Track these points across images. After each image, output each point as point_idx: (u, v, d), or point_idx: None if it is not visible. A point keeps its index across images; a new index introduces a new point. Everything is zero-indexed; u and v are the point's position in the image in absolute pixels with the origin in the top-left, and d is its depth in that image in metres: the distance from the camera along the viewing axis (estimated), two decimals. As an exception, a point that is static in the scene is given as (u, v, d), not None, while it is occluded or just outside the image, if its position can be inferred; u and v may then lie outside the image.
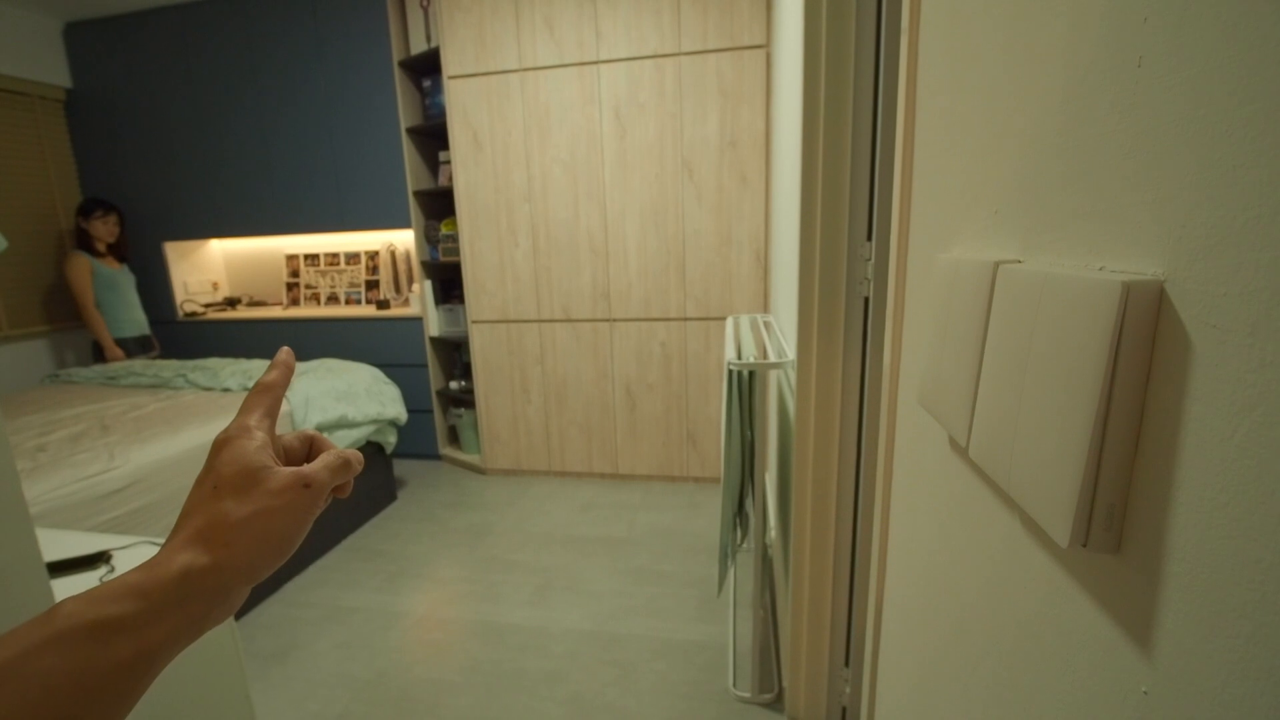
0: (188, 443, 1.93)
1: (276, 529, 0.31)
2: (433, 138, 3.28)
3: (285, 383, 0.37)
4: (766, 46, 2.54)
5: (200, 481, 0.31)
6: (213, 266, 3.91)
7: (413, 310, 3.31)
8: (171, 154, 3.49)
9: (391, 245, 3.52)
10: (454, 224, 3.10)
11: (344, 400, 2.52)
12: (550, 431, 3.11)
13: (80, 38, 3.47)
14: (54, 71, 3.46)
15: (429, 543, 2.52)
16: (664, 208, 2.76)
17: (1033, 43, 0.34)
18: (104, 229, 3.17)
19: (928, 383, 0.47)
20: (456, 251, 3.11)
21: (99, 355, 3.25)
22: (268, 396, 0.36)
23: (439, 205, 3.33)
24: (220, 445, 0.32)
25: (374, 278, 3.64)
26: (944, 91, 0.50)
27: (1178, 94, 0.22)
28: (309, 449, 0.37)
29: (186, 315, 3.63)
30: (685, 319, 2.84)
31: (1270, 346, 0.18)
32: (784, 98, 1.85)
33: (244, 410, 0.35)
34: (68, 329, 3.64)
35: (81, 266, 3.09)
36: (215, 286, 3.91)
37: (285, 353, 0.38)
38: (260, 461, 0.32)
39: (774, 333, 1.90)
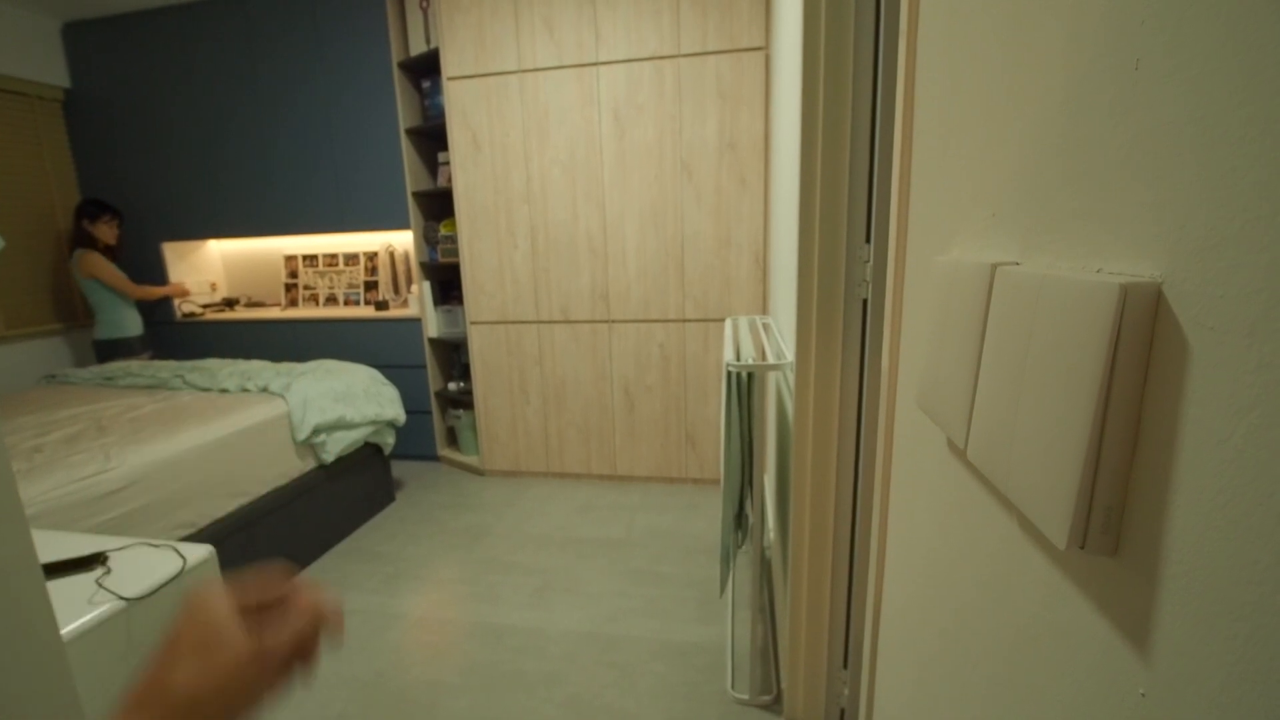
0: (185, 444, 1.92)
1: (227, 711, 0.30)
2: (432, 139, 3.28)
3: (266, 595, 0.34)
4: (766, 48, 2.54)
5: (159, 647, 0.31)
6: (211, 267, 3.91)
7: (411, 311, 3.30)
8: (170, 154, 3.49)
9: (390, 246, 3.52)
10: (453, 225, 3.10)
11: (342, 401, 2.52)
12: (549, 433, 3.11)
13: (79, 37, 3.46)
14: (52, 71, 3.46)
15: (427, 544, 2.52)
16: (663, 209, 2.76)
17: (1031, 45, 0.34)
18: (109, 232, 3.19)
19: (926, 385, 0.47)
20: (455, 253, 3.11)
21: (104, 355, 3.24)
22: (268, 592, 0.34)
23: (438, 206, 3.32)
24: (184, 608, 0.32)
25: (373, 279, 3.63)
26: (942, 94, 0.50)
27: (1175, 96, 0.22)
28: (284, 602, 0.35)
29: (184, 316, 3.62)
30: (684, 320, 2.85)
31: (1268, 348, 0.18)
32: (783, 100, 1.85)
33: (227, 587, 0.34)
34: (64, 330, 3.63)
35: (101, 259, 3.11)
36: (213, 287, 3.90)
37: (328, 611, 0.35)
38: (219, 634, 0.31)
39: (773, 334, 1.90)
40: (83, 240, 3.14)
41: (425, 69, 3.10)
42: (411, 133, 3.11)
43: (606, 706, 1.61)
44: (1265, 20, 0.18)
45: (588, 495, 2.93)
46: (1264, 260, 0.19)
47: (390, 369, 3.33)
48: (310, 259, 3.73)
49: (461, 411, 3.33)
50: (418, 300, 3.25)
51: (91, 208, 3.14)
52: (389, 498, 2.92)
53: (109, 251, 3.24)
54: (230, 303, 3.78)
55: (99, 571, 1.03)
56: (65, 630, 0.88)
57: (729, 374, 1.50)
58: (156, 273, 3.64)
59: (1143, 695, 0.24)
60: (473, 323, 3.07)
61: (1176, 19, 0.22)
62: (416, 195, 3.17)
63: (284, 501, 2.25)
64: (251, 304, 3.84)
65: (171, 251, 3.66)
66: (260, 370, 2.60)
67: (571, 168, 2.81)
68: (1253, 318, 0.19)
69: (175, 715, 0.29)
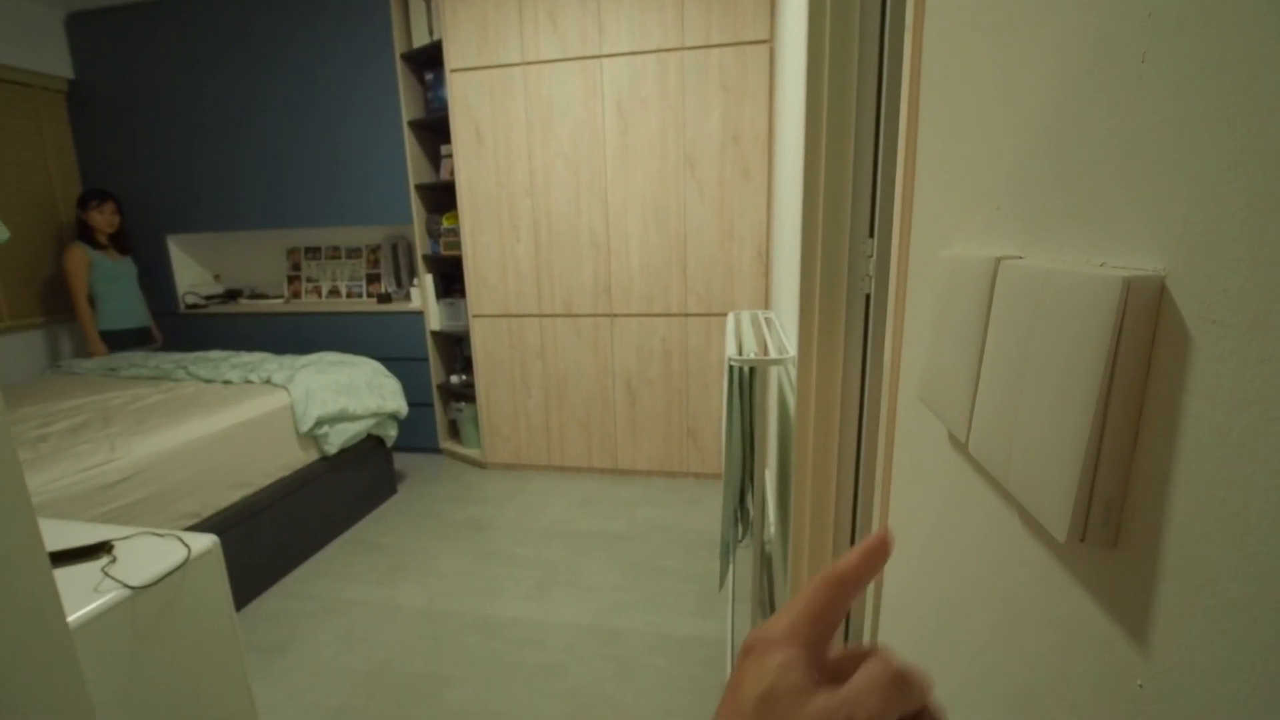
0: (189, 434, 1.93)
1: None
2: (435, 131, 3.27)
3: (861, 575, 0.26)
4: (770, 42, 2.53)
5: (725, 699, 0.24)
6: (214, 259, 3.91)
7: (414, 304, 3.31)
8: (173, 146, 3.49)
9: (393, 238, 3.52)
10: (455, 218, 3.10)
11: (345, 394, 2.52)
12: (550, 426, 3.11)
13: (82, 28, 3.46)
14: (56, 62, 3.45)
15: (429, 536, 2.53)
16: (666, 203, 2.75)
17: (1037, 36, 0.34)
18: (102, 219, 3.16)
19: (928, 378, 0.47)
20: (458, 245, 3.11)
21: (106, 346, 3.25)
22: (824, 594, 0.25)
23: (441, 199, 3.32)
24: (743, 654, 0.25)
25: (375, 271, 3.64)
26: (948, 86, 0.50)
27: (1182, 89, 0.22)
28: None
29: (188, 308, 3.63)
30: (686, 315, 2.84)
31: (1270, 342, 0.18)
32: (787, 93, 1.84)
33: (782, 610, 0.26)
34: (68, 320, 3.65)
35: (78, 258, 3.09)
36: (217, 279, 3.91)
37: (879, 539, 0.27)
38: (781, 686, 0.23)
39: (775, 329, 1.90)
40: (83, 231, 3.15)
41: (428, 61, 3.09)
42: (414, 125, 3.11)
43: (606, 699, 1.62)
44: (1269, 14, 0.18)
45: (589, 489, 2.94)
46: (1266, 255, 0.19)
47: (392, 361, 3.33)
48: (313, 251, 3.73)
49: (463, 404, 3.34)
50: (420, 293, 3.25)
51: (83, 195, 3.14)
52: (391, 490, 2.94)
53: (114, 240, 3.24)
54: (233, 294, 3.79)
55: (104, 560, 1.03)
56: (72, 618, 0.89)
57: (731, 368, 1.50)
58: (162, 265, 3.64)
59: (1140, 686, 0.24)
60: (475, 316, 3.08)
61: (1182, 12, 0.22)
62: (419, 188, 3.17)
63: (287, 492, 2.26)
64: (254, 295, 3.84)
65: (175, 244, 3.67)
66: (263, 362, 2.61)
67: (575, 161, 2.80)
68: (1254, 312, 0.19)
69: None
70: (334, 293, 3.71)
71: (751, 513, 1.66)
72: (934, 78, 0.54)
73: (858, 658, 0.25)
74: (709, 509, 2.69)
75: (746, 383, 1.54)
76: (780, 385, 1.83)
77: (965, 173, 0.45)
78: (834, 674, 0.24)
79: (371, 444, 2.76)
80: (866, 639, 0.80)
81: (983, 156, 0.42)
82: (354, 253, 3.67)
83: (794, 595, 0.26)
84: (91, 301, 3.19)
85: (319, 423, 2.38)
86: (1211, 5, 0.21)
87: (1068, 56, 0.31)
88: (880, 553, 0.26)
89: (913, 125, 0.60)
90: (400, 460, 3.39)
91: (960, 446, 0.46)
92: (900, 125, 0.62)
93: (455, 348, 3.54)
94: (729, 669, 1.70)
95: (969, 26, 0.45)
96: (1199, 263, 0.21)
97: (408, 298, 3.47)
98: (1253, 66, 0.19)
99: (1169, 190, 0.23)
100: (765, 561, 2.15)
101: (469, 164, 2.92)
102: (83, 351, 3.70)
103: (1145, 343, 0.24)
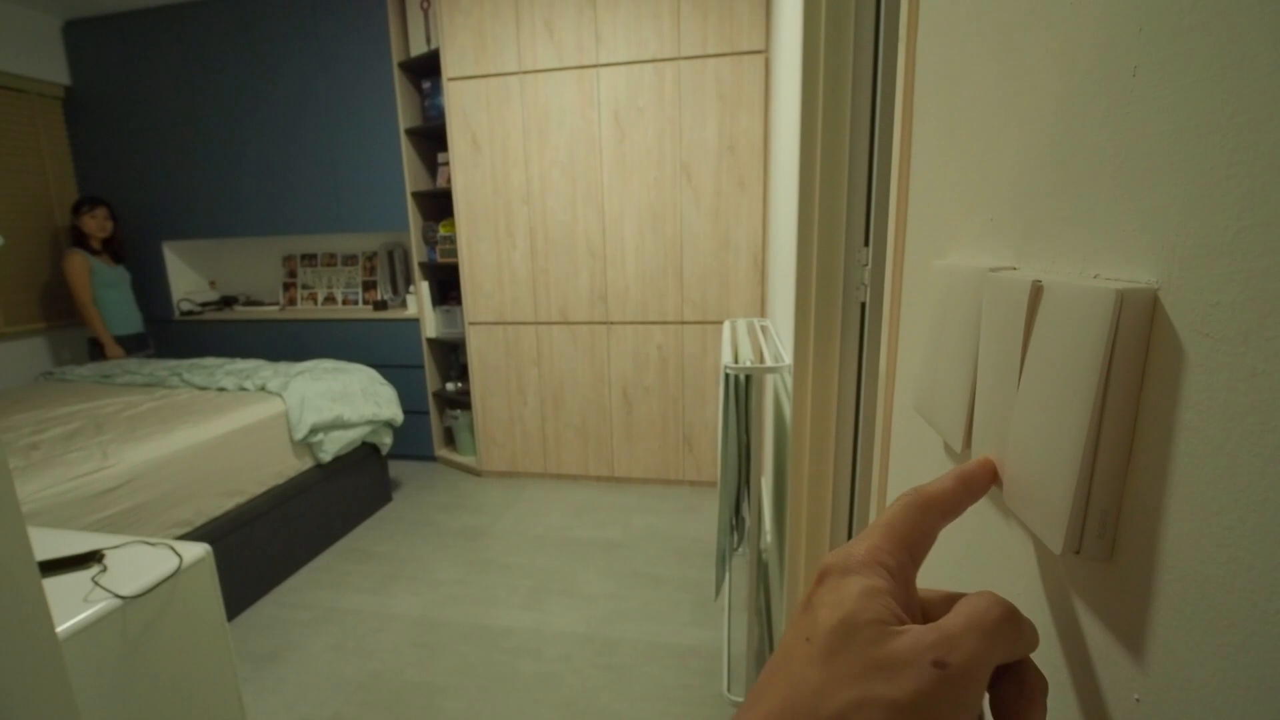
0: (182, 442, 1.92)
1: None
2: (432, 139, 3.28)
3: (956, 503, 0.23)
4: (765, 52, 2.55)
5: (795, 621, 0.21)
6: (210, 266, 3.90)
7: (410, 311, 3.30)
8: (170, 153, 3.49)
9: (389, 246, 3.52)
10: (452, 225, 3.11)
11: (340, 401, 2.51)
12: (546, 434, 3.10)
13: (80, 35, 3.46)
14: (53, 69, 3.46)
15: (423, 544, 2.51)
16: (662, 211, 2.76)
17: (1028, 51, 0.34)
18: (94, 224, 3.15)
19: (922, 389, 0.47)
20: (454, 253, 3.11)
21: (97, 353, 3.24)
22: (911, 517, 0.23)
23: (437, 206, 3.33)
24: (817, 580, 0.22)
25: (371, 278, 3.63)
26: (941, 97, 0.50)
27: (1172, 103, 0.23)
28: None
29: (183, 314, 3.62)
30: (682, 322, 2.85)
31: (1262, 355, 0.18)
32: (782, 103, 1.85)
33: (861, 535, 0.23)
34: (63, 327, 3.63)
35: (79, 264, 3.08)
36: (212, 285, 3.90)
37: (983, 465, 0.24)
38: (860, 616, 0.19)
39: (771, 337, 1.90)
40: (77, 238, 3.14)
41: (426, 69, 3.10)
42: (411, 133, 3.12)
43: (601, 709, 1.61)
44: (1258, 29, 0.19)
45: (585, 496, 2.93)
46: (1259, 268, 0.19)
47: (388, 369, 3.33)
48: (309, 258, 3.73)
49: (459, 412, 3.33)
50: (416, 300, 3.25)
51: (77, 202, 3.14)
52: (386, 498, 2.92)
53: (108, 246, 3.23)
54: (229, 301, 3.78)
55: (95, 569, 1.02)
56: (61, 628, 0.88)
57: (727, 376, 1.50)
58: (156, 271, 3.63)
59: (1137, 700, 0.24)
60: (471, 323, 3.07)
61: (1173, 28, 0.22)
62: (416, 195, 3.17)
63: (281, 500, 2.25)
64: (250, 302, 3.84)
65: (171, 250, 3.66)
66: (258, 369, 2.60)
67: (571, 169, 2.81)
68: (1247, 325, 0.19)
69: None
70: (330, 300, 3.70)
71: (747, 521, 1.65)
72: (928, 88, 0.54)
73: (951, 600, 0.21)
74: (705, 517, 2.68)
75: (743, 390, 1.54)
76: (776, 393, 1.83)
77: (960, 183, 0.46)
78: (920, 615, 0.21)
79: (366, 452, 2.75)
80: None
81: (976, 167, 0.42)
82: (350, 260, 3.67)
83: (872, 521, 0.22)
84: None
85: (313, 430, 2.37)
86: (1201, 22, 0.21)
87: (1063, 71, 0.31)
88: (982, 481, 0.23)
89: (907, 135, 0.60)
90: (395, 468, 3.38)
91: (955, 457, 0.46)
92: (894, 135, 0.63)
93: (451, 355, 3.53)
94: (725, 679, 1.69)
95: (964, 38, 0.45)
96: (1192, 275, 0.22)
97: (404, 305, 3.47)
98: (1244, 80, 0.19)
99: (1162, 203, 0.23)
100: (761, 570, 2.15)
101: (466, 172, 2.92)
102: (83, 358, 3.68)
103: (1139, 355, 0.24)
